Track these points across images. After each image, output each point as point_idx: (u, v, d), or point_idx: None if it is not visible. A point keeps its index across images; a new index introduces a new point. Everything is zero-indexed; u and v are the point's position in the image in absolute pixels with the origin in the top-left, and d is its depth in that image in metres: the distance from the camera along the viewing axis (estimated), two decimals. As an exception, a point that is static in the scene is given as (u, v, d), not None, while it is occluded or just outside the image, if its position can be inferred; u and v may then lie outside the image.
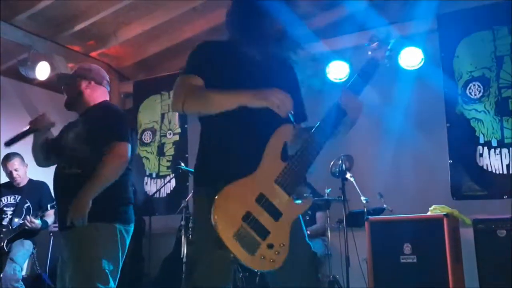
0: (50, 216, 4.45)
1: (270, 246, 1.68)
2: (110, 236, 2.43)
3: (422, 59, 4.67)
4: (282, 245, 1.69)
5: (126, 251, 2.55)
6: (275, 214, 1.71)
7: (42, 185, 4.50)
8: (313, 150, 1.78)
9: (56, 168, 2.60)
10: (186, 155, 5.42)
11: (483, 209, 4.28)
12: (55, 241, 5.04)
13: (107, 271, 2.39)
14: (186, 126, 5.55)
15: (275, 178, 1.74)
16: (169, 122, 5.64)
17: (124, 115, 2.70)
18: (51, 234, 5.03)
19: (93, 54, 5.64)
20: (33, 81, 5.64)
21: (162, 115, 5.68)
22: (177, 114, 5.61)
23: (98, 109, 2.62)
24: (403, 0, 4.87)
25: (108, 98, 2.75)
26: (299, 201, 1.76)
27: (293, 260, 1.73)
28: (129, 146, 2.47)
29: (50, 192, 4.51)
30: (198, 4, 4.97)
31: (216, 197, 1.69)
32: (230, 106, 1.77)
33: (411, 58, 4.70)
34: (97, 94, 2.68)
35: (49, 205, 4.24)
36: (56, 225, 5.06)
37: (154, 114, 5.72)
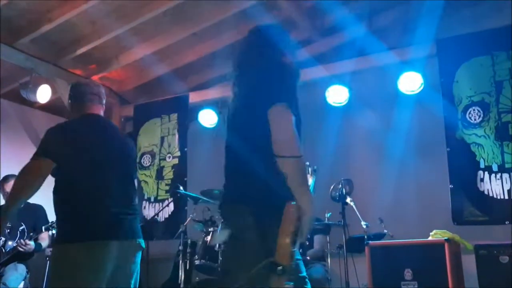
0: (44, 239, 4.39)
1: None
2: None
3: (422, 84, 4.70)
4: None
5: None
6: None
7: (38, 208, 4.46)
8: None
9: None
10: (185, 179, 5.39)
11: (485, 234, 4.23)
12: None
13: None
14: (185, 149, 5.54)
15: None
16: (169, 146, 5.62)
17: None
18: (47, 258, 4.96)
19: (95, 77, 5.67)
20: (34, 104, 5.67)
21: (162, 138, 5.68)
22: (176, 137, 5.61)
23: None
24: (402, 25, 4.93)
25: (95, 111, 2.80)
26: None
27: None
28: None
29: (46, 215, 4.47)
30: (198, 29, 5.02)
31: None
32: None
33: (410, 83, 4.73)
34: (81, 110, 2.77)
35: (43, 227, 4.19)
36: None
37: (154, 137, 5.72)
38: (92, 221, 2.42)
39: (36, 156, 2.46)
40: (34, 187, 2.43)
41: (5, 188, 4.47)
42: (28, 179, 2.44)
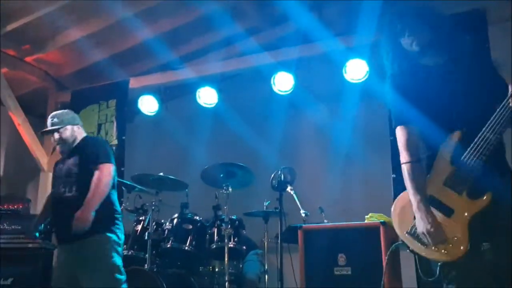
0: None
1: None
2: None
3: (367, 71, 4.59)
4: (455, 238, 1.90)
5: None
6: (446, 211, 1.96)
7: None
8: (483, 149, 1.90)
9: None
10: (122, 169, 5.07)
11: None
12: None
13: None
14: (123, 137, 5.24)
15: (444, 181, 1.99)
16: (106, 133, 5.31)
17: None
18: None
19: (29, 59, 5.33)
20: (-40, 85, 5.26)
21: (99, 126, 5.36)
22: (114, 124, 5.31)
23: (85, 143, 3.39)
24: (349, 12, 4.82)
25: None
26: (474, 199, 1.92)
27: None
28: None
29: None
30: (140, 10, 4.76)
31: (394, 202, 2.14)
32: None
33: (356, 70, 4.62)
34: (81, 134, 3.46)
35: None
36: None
37: (91, 125, 5.39)
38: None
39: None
40: None
41: None
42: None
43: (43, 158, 5.62)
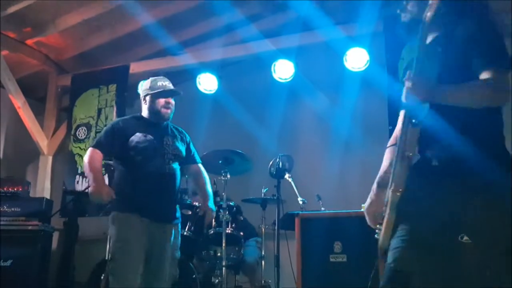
0: None
1: None
2: None
3: (368, 61, 4.60)
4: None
5: None
6: None
7: None
8: None
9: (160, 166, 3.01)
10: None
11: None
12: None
13: None
14: (123, 122, 5.24)
15: None
16: (106, 118, 5.32)
17: None
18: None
19: (30, 42, 5.32)
20: (-40, 67, 5.26)
21: (99, 110, 5.37)
22: (114, 109, 5.32)
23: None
24: (348, 0, 4.81)
25: None
26: None
27: None
28: None
29: None
30: (142, -6, 4.76)
31: None
32: None
33: (357, 59, 4.62)
34: None
35: None
36: None
37: (91, 109, 5.40)
38: None
39: None
40: None
41: None
42: None
43: (43, 141, 5.64)
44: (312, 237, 3.37)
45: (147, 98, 3.16)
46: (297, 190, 4.06)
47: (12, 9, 4.75)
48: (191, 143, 3.31)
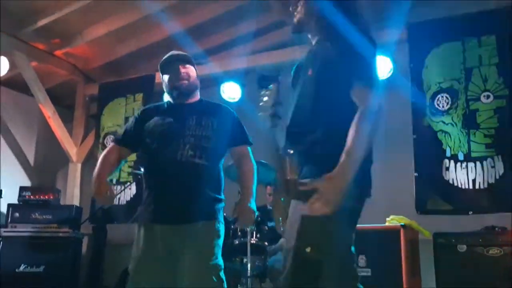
0: None
1: None
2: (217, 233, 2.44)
3: (391, 69, 4.58)
4: None
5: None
6: None
7: None
8: None
9: (173, 153, 2.42)
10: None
11: (450, 224, 4.11)
12: (6, 247, 4.79)
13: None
14: (150, 131, 5.35)
15: None
16: (133, 126, 5.42)
17: None
18: (0, 239, 4.80)
19: (58, 53, 5.46)
20: (-6, 79, 5.44)
21: (126, 119, 5.48)
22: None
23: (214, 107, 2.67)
24: (373, 9, 4.78)
25: None
26: None
27: None
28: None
29: None
30: (168, 5, 4.83)
31: None
32: None
33: (380, 67, 4.60)
34: None
35: None
36: (7, 229, 4.84)
37: (118, 118, 5.52)
38: None
39: None
40: None
41: None
42: None
43: (72, 149, 5.80)
44: (337, 250, 3.39)
45: (162, 78, 2.69)
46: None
47: (41, 22, 4.89)
48: (236, 121, 2.63)
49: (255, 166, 2.62)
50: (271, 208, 4.58)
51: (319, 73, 1.78)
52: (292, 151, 1.75)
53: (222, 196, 2.54)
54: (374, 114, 1.64)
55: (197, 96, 2.66)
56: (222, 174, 2.58)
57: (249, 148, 2.64)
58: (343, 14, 1.82)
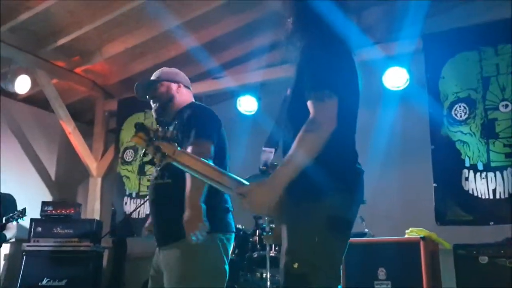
0: (10, 229, 4.29)
1: None
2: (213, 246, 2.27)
3: (408, 79, 4.58)
4: None
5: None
6: None
7: (6, 197, 4.37)
8: None
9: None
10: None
11: (470, 235, 4.07)
12: (29, 261, 4.88)
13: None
14: (168, 144, 5.41)
15: None
16: (151, 141, 5.49)
17: (212, 113, 2.51)
18: (23, 253, 4.89)
19: (78, 70, 5.59)
20: (15, 96, 5.58)
21: (144, 133, 5.55)
22: (159, 132, 5.50)
23: (188, 110, 2.47)
24: (389, 20, 4.81)
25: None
26: None
27: None
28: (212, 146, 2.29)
29: (13, 205, 4.37)
30: (184, 21, 4.91)
31: None
32: None
33: (396, 78, 4.61)
34: (186, 98, 2.61)
35: (4, 218, 4.07)
36: (30, 243, 4.93)
37: (137, 132, 5.59)
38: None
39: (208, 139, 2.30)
40: None
41: None
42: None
43: (92, 164, 5.90)
44: (356, 262, 3.39)
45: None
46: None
47: (61, 41, 5.02)
48: (189, 120, 2.39)
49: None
50: None
51: (293, 89, 1.82)
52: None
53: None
54: (318, 125, 1.62)
55: (176, 107, 2.57)
56: None
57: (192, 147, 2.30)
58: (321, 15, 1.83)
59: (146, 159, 1.80)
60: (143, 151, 1.77)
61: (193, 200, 2.14)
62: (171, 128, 2.40)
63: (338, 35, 1.83)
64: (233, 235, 2.44)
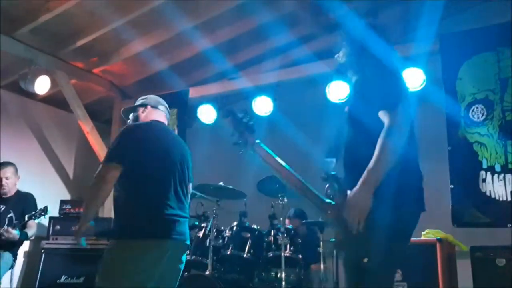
0: (31, 227, 4.36)
1: None
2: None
3: (424, 80, 4.55)
4: None
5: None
6: None
7: (27, 196, 4.45)
8: None
9: None
10: (183, 175, 5.29)
11: (487, 237, 4.04)
12: (47, 259, 4.96)
13: None
14: (184, 145, 5.46)
15: None
16: (168, 141, 5.54)
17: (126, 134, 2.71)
18: (42, 251, 4.97)
19: (96, 70, 5.67)
20: (35, 96, 5.68)
21: (161, 133, 5.60)
22: (176, 132, 5.54)
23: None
24: (405, 21, 4.79)
25: (163, 120, 3.00)
26: None
27: None
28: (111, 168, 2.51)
29: (34, 204, 4.45)
30: (199, 22, 4.95)
31: None
32: None
33: (413, 79, 4.58)
34: (151, 116, 2.94)
35: (26, 216, 4.15)
36: (48, 241, 5.02)
37: (153, 132, 5.64)
38: (154, 221, 2.48)
39: (109, 161, 2.53)
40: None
41: None
42: (107, 188, 2.51)
43: (109, 163, 5.95)
44: (372, 264, 3.38)
45: None
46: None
47: (80, 42, 5.09)
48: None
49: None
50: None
51: (352, 107, 2.13)
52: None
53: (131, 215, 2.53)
54: (397, 128, 1.91)
55: None
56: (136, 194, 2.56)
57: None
58: (373, 43, 2.25)
59: None
60: None
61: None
62: None
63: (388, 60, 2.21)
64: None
